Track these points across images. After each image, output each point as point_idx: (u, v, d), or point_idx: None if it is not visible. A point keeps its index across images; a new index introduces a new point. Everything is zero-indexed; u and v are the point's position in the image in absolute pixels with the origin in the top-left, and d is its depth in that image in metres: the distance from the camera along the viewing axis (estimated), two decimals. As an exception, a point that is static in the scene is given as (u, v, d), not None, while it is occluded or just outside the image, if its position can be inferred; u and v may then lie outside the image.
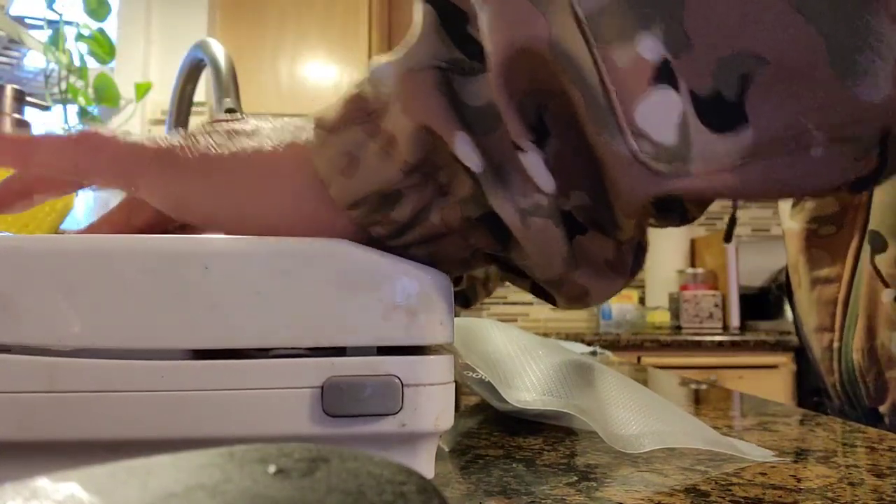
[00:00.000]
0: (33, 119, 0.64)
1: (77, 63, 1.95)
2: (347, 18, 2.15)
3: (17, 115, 0.62)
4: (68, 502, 0.09)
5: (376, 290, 0.21)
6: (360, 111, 0.22)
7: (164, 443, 0.19)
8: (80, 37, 1.95)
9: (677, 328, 2.14)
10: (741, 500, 0.22)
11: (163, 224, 0.28)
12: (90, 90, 1.97)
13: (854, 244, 0.53)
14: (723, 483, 0.24)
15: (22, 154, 0.26)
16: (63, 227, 0.60)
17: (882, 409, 0.51)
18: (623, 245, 0.24)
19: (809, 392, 1.77)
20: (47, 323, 0.19)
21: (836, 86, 0.18)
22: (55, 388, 0.19)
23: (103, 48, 1.97)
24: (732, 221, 0.68)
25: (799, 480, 0.25)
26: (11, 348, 0.19)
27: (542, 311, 2.41)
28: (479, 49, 0.21)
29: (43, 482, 0.09)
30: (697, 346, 1.88)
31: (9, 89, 0.62)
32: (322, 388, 0.20)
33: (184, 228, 0.28)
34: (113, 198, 0.84)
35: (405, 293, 0.21)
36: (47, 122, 1.92)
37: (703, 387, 0.55)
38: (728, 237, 0.69)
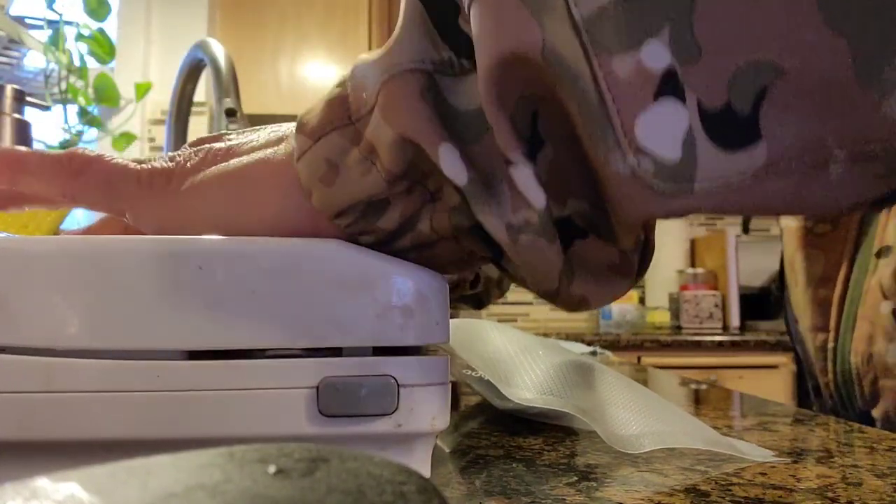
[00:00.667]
0: (33, 119, 0.64)
1: (77, 63, 1.95)
2: (347, 18, 2.16)
3: (17, 115, 0.62)
4: (68, 502, 0.09)
5: (372, 290, 0.21)
6: (341, 115, 0.22)
7: (160, 443, 0.19)
8: (80, 37, 1.95)
9: (677, 328, 2.14)
10: (741, 500, 0.22)
11: None
12: (90, 90, 1.97)
13: (849, 243, 0.53)
14: (723, 483, 0.24)
15: (7, 173, 0.25)
16: (63, 227, 0.60)
17: (875, 413, 0.51)
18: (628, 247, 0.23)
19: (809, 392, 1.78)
20: (44, 323, 0.19)
21: (862, 100, 0.17)
22: (52, 388, 0.19)
23: (103, 48, 1.97)
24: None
25: (799, 480, 0.25)
26: (8, 348, 0.19)
27: (542, 311, 2.41)
28: (470, 44, 0.20)
29: (43, 482, 0.09)
30: (697, 347, 1.88)
31: (9, 89, 0.62)
32: (317, 388, 0.20)
33: None
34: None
35: (400, 293, 0.21)
36: (47, 122, 1.92)
37: (703, 387, 0.55)
38: (746, 229, 0.69)
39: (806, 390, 0.62)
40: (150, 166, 0.24)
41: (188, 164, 0.24)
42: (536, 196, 0.20)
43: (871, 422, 0.52)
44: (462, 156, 0.20)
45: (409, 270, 0.21)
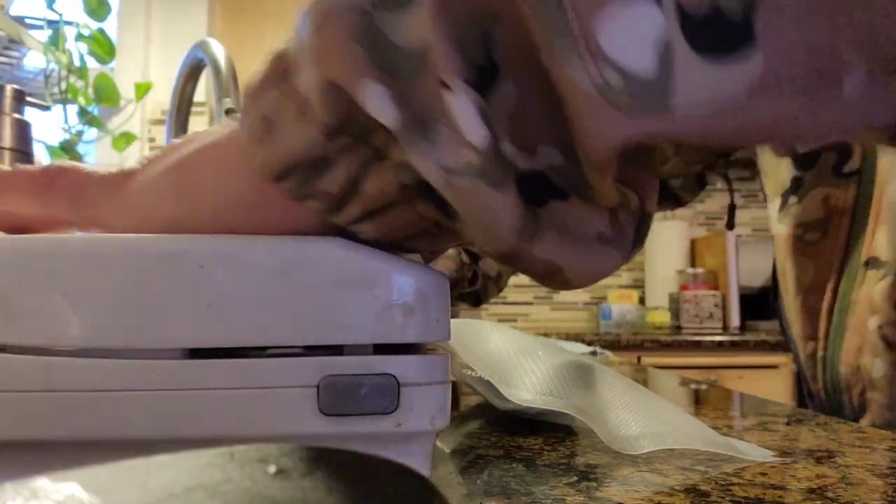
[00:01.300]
0: (33, 119, 0.64)
1: (77, 63, 1.95)
2: (347, 18, 2.15)
3: (16, 115, 0.61)
4: (68, 502, 0.09)
5: (372, 288, 0.20)
6: (278, 69, 0.20)
7: (159, 442, 0.19)
8: (80, 37, 1.95)
9: (677, 328, 2.14)
10: (741, 499, 0.22)
11: None
12: (90, 90, 1.97)
13: (839, 251, 0.52)
14: (723, 483, 0.24)
15: None
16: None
17: (863, 422, 0.51)
18: (620, 213, 0.20)
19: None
20: (44, 322, 0.19)
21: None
22: (52, 387, 0.19)
23: (103, 48, 1.97)
24: (732, 208, 0.67)
25: (799, 480, 0.25)
26: (8, 347, 0.19)
27: (542, 312, 2.41)
28: None
29: (43, 482, 0.09)
30: (697, 347, 1.88)
31: (9, 89, 0.62)
32: (318, 386, 0.20)
33: None
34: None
35: (401, 291, 0.21)
36: (47, 122, 1.92)
37: (703, 387, 0.55)
38: (730, 224, 0.68)
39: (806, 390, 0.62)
40: (118, 169, 0.23)
41: (152, 163, 0.23)
42: (477, 131, 0.17)
43: None
44: (393, 93, 0.17)
45: (409, 268, 0.21)
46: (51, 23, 2.00)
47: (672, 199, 0.72)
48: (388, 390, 0.20)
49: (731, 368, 1.86)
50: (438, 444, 0.30)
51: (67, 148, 1.93)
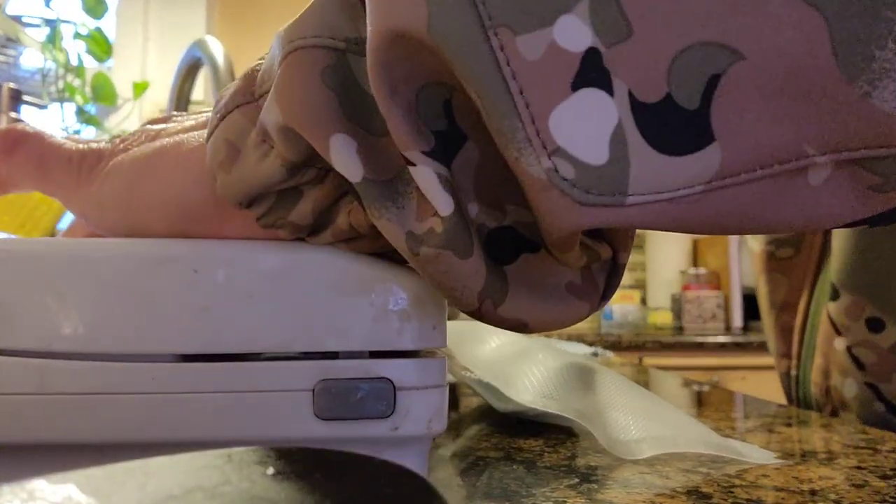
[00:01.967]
0: (30, 118, 0.64)
1: (74, 62, 1.95)
2: (346, 18, 2.15)
3: (13, 114, 0.61)
4: (65, 504, 0.09)
5: (368, 294, 0.20)
6: (246, 91, 0.19)
7: (154, 446, 0.19)
8: (77, 35, 1.95)
9: (679, 329, 2.14)
10: (743, 501, 0.22)
11: None
12: (87, 89, 1.97)
13: (811, 269, 0.52)
14: (725, 485, 0.24)
15: None
16: (60, 226, 0.60)
17: None
18: (592, 264, 0.19)
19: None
20: (39, 325, 0.19)
21: (845, 90, 0.13)
22: (46, 390, 0.19)
23: (101, 47, 1.97)
24: None
25: (802, 482, 0.25)
26: (2, 350, 0.19)
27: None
28: None
29: (40, 484, 0.09)
30: (700, 347, 1.88)
31: (5, 88, 0.61)
32: (313, 391, 0.20)
33: None
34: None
35: (397, 297, 0.21)
36: (44, 120, 1.92)
37: (706, 388, 0.55)
38: None
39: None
40: (85, 146, 0.22)
41: (121, 146, 0.22)
42: (441, 201, 0.17)
43: None
44: (360, 148, 0.17)
45: (407, 275, 0.21)
46: (48, 21, 2.00)
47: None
48: (384, 394, 0.20)
49: (733, 369, 1.86)
50: (439, 446, 0.30)
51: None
